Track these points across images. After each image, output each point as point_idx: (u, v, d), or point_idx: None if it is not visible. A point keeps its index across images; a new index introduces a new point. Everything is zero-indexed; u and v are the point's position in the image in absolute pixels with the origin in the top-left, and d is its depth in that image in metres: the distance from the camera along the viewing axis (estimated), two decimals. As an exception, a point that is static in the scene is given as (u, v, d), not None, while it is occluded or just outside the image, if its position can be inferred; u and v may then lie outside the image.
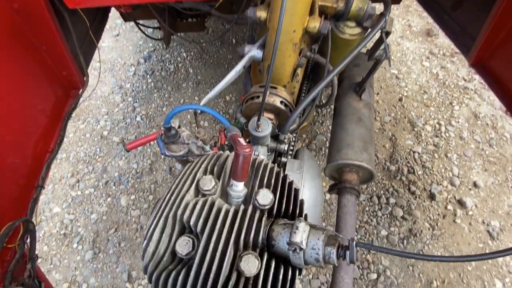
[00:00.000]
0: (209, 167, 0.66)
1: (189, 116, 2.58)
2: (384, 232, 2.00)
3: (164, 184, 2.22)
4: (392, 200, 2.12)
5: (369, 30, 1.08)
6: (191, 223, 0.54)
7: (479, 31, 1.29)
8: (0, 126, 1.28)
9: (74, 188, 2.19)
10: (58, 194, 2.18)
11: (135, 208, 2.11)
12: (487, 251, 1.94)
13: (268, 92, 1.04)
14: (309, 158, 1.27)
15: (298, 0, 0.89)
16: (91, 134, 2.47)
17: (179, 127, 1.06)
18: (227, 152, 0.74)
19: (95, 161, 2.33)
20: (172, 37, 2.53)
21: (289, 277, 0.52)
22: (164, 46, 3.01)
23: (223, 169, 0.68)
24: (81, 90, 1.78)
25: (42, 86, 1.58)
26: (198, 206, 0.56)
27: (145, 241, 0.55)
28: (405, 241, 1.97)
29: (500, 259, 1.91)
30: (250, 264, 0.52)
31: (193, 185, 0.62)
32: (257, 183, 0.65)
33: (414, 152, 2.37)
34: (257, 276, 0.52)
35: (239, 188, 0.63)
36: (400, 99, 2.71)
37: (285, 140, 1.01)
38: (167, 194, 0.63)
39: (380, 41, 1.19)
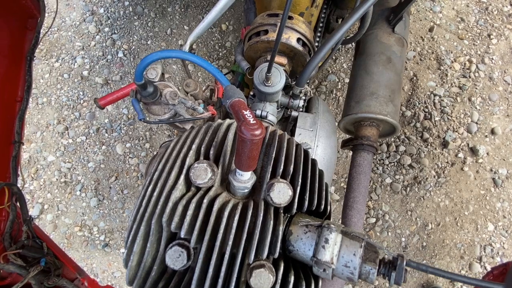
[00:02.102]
0: (202, 148, 0.48)
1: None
2: (388, 180, 1.98)
3: (159, 131, 2.07)
4: (401, 148, 2.02)
5: None
6: (182, 234, 0.40)
7: None
8: None
9: (64, 136, 2.05)
10: (48, 142, 2.05)
11: (132, 157, 2.02)
12: (487, 198, 1.96)
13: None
14: (324, 111, 1.06)
15: None
16: (69, 75, 2.15)
17: (162, 75, 0.81)
18: (227, 121, 0.54)
19: (81, 106, 2.11)
20: None
21: (311, 291, 0.42)
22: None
23: (223, 147, 0.50)
24: (39, 19, 1.41)
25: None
26: (190, 212, 0.40)
27: (126, 251, 0.42)
28: (408, 189, 1.97)
29: (499, 204, 1.95)
30: (263, 280, 0.41)
31: (182, 176, 0.45)
32: (270, 169, 0.47)
33: (435, 95, 2.12)
34: (271, 291, 0.41)
35: (244, 178, 0.46)
36: (431, 29, 2.26)
37: (301, 95, 0.78)
38: (148, 185, 0.46)
39: None
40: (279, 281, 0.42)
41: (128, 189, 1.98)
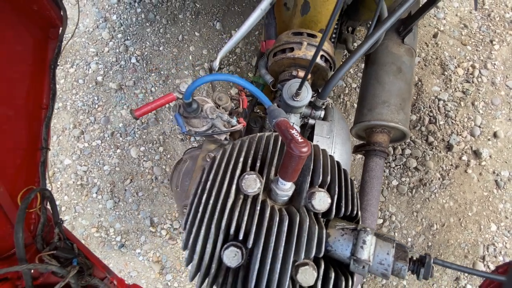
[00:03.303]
0: (249, 160, 0.54)
1: (190, 58, 2.26)
2: (395, 182, 2.04)
3: (172, 135, 2.13)
4: (407, 151, 2.09)
5: None
6: (241, 236, 0.47)
7: None
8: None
9: (80, 140, 2.11)
10: (64, 145, 2.11)
11: (146, 160, 2.08)
12: (490, 200, 2.03)
13: (305, 43, 0.81)
14: (339, 119, 1.13)
15: None
16: (84, 80, 2.22)
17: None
18: (266, 134, 0.60)
19: (95, 111, 2.17)
20: None
21: (350, 286, 0.48)
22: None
23: (266, 159, 0.56)
24: (61, 28, 1.47)
25: (14, 30, 1.28)
26: (245, 218, 0.47)
27: (188, 251, 0.49)
28: (413, 190, 2.03)
29: (501, 205, 2.02)
30: (308, 276, 0.47)
31: (234, 186, 0.51)
32: (309, 179, 0.54)
33: (439, 100, 2.19)
34: (314, 286, 0.48)
35: (286, 187, 0.53)
36: (435, 35, 2.33)
37: (323, 106, 0.85)
38: (201, 193, 0.53)
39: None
40: (321, 276, 0.48)
41: (143, 192, 2.04)
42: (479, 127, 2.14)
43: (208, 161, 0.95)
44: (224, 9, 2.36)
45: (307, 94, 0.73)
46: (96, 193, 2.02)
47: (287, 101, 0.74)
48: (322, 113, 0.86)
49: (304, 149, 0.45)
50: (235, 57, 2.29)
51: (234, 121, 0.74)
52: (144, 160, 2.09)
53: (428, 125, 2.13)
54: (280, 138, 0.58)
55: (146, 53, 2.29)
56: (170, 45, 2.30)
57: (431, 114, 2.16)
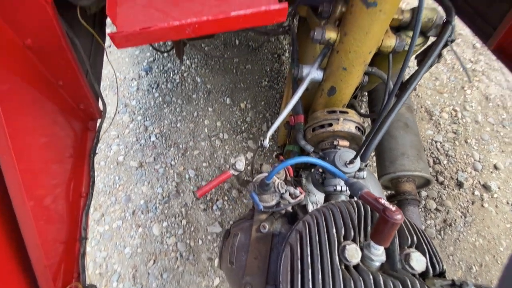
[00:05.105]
0: (342, 231, 0.61)
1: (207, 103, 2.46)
2: (422, 227, 2.05)
3: (194, 206, 2.14)
4: (423, 193, 2.17)
5: (433, 39, 1.04)
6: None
7: (500, 20, 1.22)
8: (31, 180, 1.14)
9: (100, 223, 2.06)
10: (83, 231, 2.04)
11: (169, 236, 2.02)
12: (517, 231, 2.04)
13: (342, 119, 0.99)
14: (370, 175, 1.24)
15: (376, 20, 0.83)
16: (105, 162, 2.31)
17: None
18: (344, 203, 0.69)
19: (116, 191, 2.19)
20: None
21: None
22: (176, 59, 2.83)
23: (354, 227, 0.63)
24: (99, 121, 1.64)
25: (61, 126, 1.43)
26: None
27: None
28: (442, 232, 2.03)
29: (530, 236, 2.02)
30: None
31: (336, 258, 0.56)
32: (396, 241, 0.60)
33: (436, 141, 2.41)
34: None
35: (379, 252, 0.58)
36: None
37: (364, 168, 0.96)
38: (303, 269, 0.57)
39: (429, 46, 1.17)
40: None
41: (168, 272, 1.91)
42: (479, 161, 2.32)
43: (263, 232, 0.98)
44: (231, 87, 2.72)
45: (357, 161, 0.86)
46: (116, 281, 1.87)
47: (340, 168, 0.85)
48: (364, 173, 0.97)
49: (399, 216, 0.53)
50: (247, 125, 2.52)
51: (297, 192, 0.82)
52: (167, 237, 2.02)
53: (434, 166, 2.29)
54: (359, 206, 0.66)
55: (164, 130, 2.49)
56: (187, 121, 2.53)
57: (433, 155, 2.34)
